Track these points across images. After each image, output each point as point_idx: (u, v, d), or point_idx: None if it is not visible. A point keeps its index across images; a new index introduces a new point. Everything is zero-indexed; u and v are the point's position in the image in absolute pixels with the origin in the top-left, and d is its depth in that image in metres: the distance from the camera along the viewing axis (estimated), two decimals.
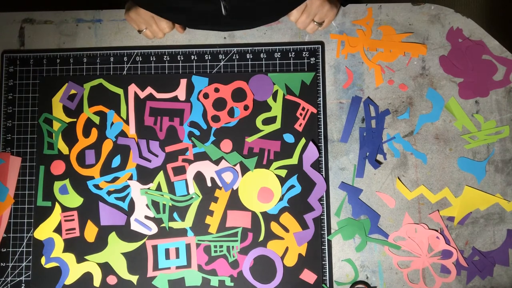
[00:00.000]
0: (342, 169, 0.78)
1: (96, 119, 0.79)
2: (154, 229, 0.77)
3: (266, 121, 0.78)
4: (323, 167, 0.78)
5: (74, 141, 0.78)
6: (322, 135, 0.78)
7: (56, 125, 0.79)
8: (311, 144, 0.77)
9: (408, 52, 0.80)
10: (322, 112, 0.79)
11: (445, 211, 0.77)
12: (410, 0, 0.81)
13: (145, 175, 0.78)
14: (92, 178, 0.78)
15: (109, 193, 0.77)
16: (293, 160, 0.77)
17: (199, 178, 0.77)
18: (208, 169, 0.77)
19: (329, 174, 0.78)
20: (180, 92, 0.79)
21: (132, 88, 0.79)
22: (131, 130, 0.78)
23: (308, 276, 0.76)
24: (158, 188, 0.77)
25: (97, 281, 0.76)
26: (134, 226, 0.77)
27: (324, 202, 0.77)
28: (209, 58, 0.80)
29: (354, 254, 0.76)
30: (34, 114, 0.80)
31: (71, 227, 0.77)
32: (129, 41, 0.81)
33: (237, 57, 0.80)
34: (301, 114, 0.78)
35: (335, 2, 0.77)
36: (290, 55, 0.79)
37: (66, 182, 0.78)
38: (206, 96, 0.79)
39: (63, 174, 0.78)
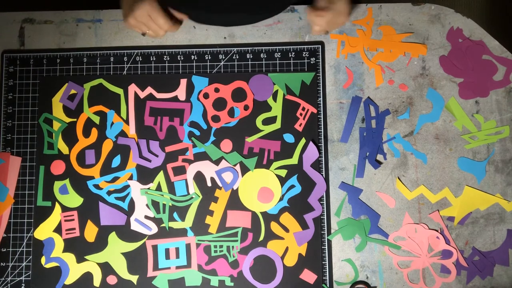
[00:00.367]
0: (342, 169, 0.78)
1: (96, 119, 0.79)
2: (154, 229, 0.77)
3: (266, 121, 0.78)
4: (323, 167, 0.78)
5: (74, 141, 0.78)
6: (322, 135, 0.78)
7: (56, 125, 0.79)
8: (311, 144, 0.77)
9: (408, 52, 0.80)
10: (322, 112, 0.79)
11: (445, 211, 0.77)
12: (410, 0, 0.81)
13: (145, 175, 0.78)
14: (92, 178, 0.78)
15: (109, 193, 0.77)
16: (293, 160, 0.77)
17: (199, 178, 0.77)
18: (208, 169, 0.77)
19: (329, 174, 0.78)
20: (180, 92, 0.79)
21: (132, 88, 0.79)
22: (131, 130, 0.78)
23: (308, 276, 0.76)
24: (158, 188, 0.77)
25: (97, 281, 0.76)
26: (134, 226, 0.77)
27: (324, 202, 0.77)
28: (209, 58, 0.80)
29: (354, 254, 0.76)
30: (34, 114, 0.80)
31: (71, 227, 0.77)
32: (129, 41, 0.81)
33: (237, 57, 0.80)
34: (301, 114, 0.78)
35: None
36: (290, 55, 0.79)
37: (66, 182, 0.78)
38: (206, 96, 0.79)
39: (63, 174, 0.78)
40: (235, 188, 0.77)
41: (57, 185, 0.78)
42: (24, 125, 0.79)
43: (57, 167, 0.78)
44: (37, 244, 0.77)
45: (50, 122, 0.79)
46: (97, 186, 0.77)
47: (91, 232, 0.77)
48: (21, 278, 0.77)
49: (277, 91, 0.79)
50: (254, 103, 0.79)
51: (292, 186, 0.77)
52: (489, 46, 0.79)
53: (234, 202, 0.77)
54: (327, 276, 0.76)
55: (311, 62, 0.79)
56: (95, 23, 0.81)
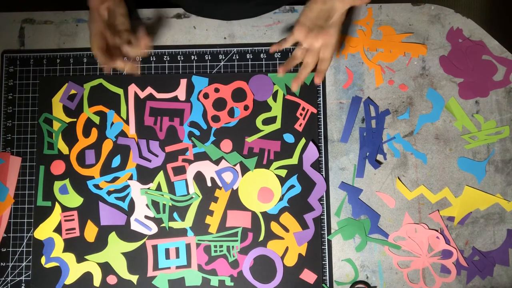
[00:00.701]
0: (342, 169, 0.78)
1: (96, 119, 0.79)
2: (154, 229, 0.77)
3: (266, 121, 0.78)
4: (323, 167, 0.78)
5: (74, 141, 0.78)
6: (322, 135, 0.78)
7: (56, 125, 0.79)
8: (311, 144, 0.77)
9: (408, 52, 0.80)
10: (322, 112, 0.79)
11: (445, 211, 0.77)
12: (410, 0, 0.81)
13: (145, 175, 0.78)
14: (92, 178, 0.78)
15: (109, 193, 0.77)
16: (293, 160, 0.77)
17: (199, 178, 0.77)
18: (208, 169, 0.77)
19: (329, 174, 0.78)
20: (180, 92, 0.79)
21: (132, 88, 0.79)
22: (131, 130, 0.78)
23: (308, 276, 0.76)
24: (158, 188, 0.77)
25: (97, 281, 0.76)
26: (134, 226, 0.77)
27: (324, 202, 0.77)
28: (209, 58, 0.80)
29: (354, 254, 0.76)
30: (34, 114, 0.80)
31: (71, 227, 0.77)
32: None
33: (237, 57, 0.80)
34: (301, 114, 0.78)
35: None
36: (290, 55, 0.79)
37: (66, 182, 0.78)
38: (206, 96, 0.79)
39: (63, 174, 0.78)
40: (235, 188, 0.77)
41: (57, 185, 0.78)
42: (24, 125, 0.79)
43: (57, 167, 0.78)
44: (37, 244, 0.77)
45: (50, 122, 0.79)
46: (97, 186, 0.78)
47: (91, 232, 0.77)
48: (21, 278, 0.77)
49: (277, 91, 0.79)
50: (254, 103, 0.79)
51: (292, 186, 0.77)
52: (489, 46, 0.79)
53: (234, 202, 0.77)
54: (327, 276, 0.76)
55: None
56: None
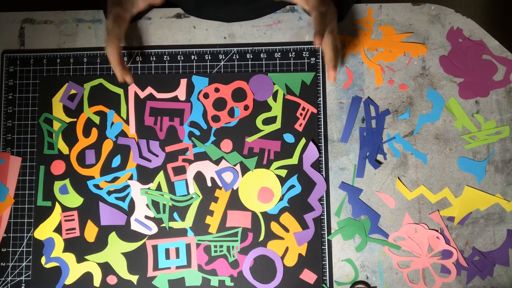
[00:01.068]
0: (342, 169, 0.78)
1: (96, 119, 0.79)
2: (154, 229, 0.77)
3: (266, 121, 0.78)
4: (323, 167, 0.78)
5: (74, 141, 0.78)
6: (322, 135, 0.78)
7: (56, 125, 0.79)
8: (311, 144, 0.77)
9: (408, 52, 0.80)
10: (322, 112, 0.79)
11: (445, 211, 0.77)
12: (410, 0, 0.81)
13: (145, 175, 0.78)
14: (92, 178, 0.78)
15: (109, 193, 0.77)
16: (293, 160, 0.77)
17: (199, 178, 0.77)
18: (208, 169, 0.77)
19: (329, 174, 0.78)
20: (180, 92, 0.79)
21: (132, 88, 0.79)
22: (131, 130, 0.78)
23: (308, 276, 0.76)
24: (158, 188, 0.77)
25: (97, 281, 0.76)
26: (134, 226, 0.77)
27: (324, 202, 0.77)
28: (209, 58, 0.80)
29: (354, 254, 0.76)
30: (34, 114, 0.80)
31: (71, 227, 0.77)
32: (129, 41, 0.81)
33: (237, 57, 0.80)
34: (301, 114, 0.78)
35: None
36: (290, 55, 0.79)
37: (66, 182, 0.78)
38: (206, 96, 0.79)
39: (63, 174, 0.78)
40: (235, 188, 0.77)
41: (57, 185, 0.78)
42: (24, 125, 0.79)
43: (57, 167, 0.78)
44: (37, 244, 0.77)
45: (50, 122, 0.79)
46: (97, 186, 0.78)
47: (91, 232, 0.77)
48: (21, 278, 0.77)
49: (277, 91, 0.79)
50: (254, 103, 0.79)
51: (292, 186, 0.77)
52: (489, 46, 0.79)
53: (234, 202, 0.77)
54: (327, 276, 0.76)
55: (311, 62, 0.79)
56: (95, 23, 0.81)
